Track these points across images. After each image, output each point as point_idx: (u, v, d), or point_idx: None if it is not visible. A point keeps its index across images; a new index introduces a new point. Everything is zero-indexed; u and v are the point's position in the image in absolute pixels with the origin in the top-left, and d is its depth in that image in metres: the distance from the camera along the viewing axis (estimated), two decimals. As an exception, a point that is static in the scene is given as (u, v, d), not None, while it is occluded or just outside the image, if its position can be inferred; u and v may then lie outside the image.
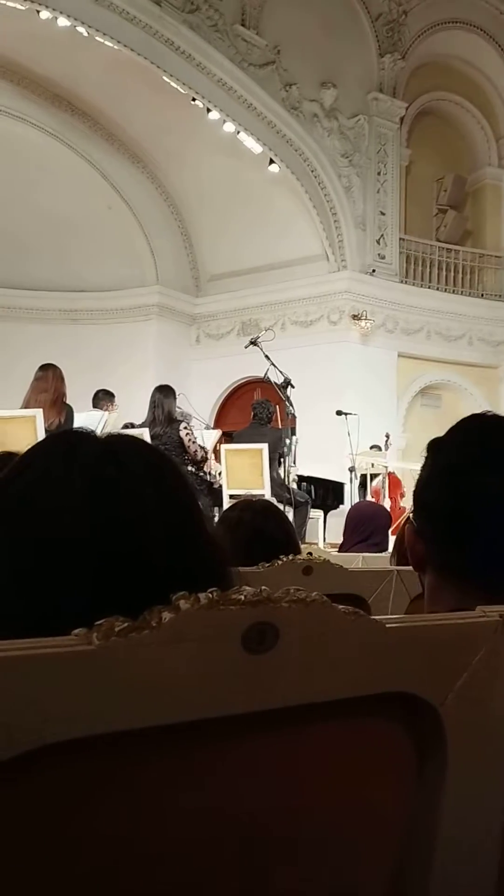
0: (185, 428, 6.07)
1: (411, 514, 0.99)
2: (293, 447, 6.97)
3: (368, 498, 9.18)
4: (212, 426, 11.34)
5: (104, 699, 0.52)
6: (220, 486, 6.38)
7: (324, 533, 7.73)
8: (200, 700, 0.56)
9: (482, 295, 13.05)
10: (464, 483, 0.92)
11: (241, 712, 0.59)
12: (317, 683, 0.62)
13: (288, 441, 6.59)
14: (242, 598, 0.58)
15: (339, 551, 4.19)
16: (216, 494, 6.35)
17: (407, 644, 0.69)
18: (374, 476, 9.72)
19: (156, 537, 0.66)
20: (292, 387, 6.52)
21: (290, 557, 1.79)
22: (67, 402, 5.48)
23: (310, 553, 3.06)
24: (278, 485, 6.49)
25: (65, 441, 0.71)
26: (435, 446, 1.00)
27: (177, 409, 6.33)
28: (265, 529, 1.81)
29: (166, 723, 0.55)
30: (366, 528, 3.99)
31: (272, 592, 0.60)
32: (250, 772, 0.63)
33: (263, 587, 0.60)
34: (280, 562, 1.77)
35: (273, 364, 6.21)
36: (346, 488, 9.01)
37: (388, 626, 0.67)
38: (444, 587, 0.92)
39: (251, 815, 0.64)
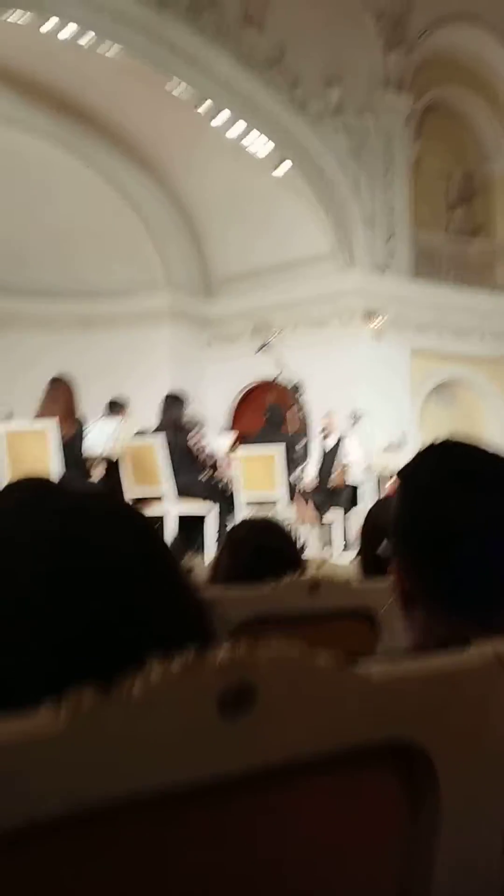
0: (195, 435, 6.07)
1: (387, 550, 0.98)
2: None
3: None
4: (229, 428, 11.35)
5: (75, 778, 0.51)
6: (232, 492, 6.36)
7: (344, 535, 7.70)
8: (177, 769, 0.55)
9: (494, 288, 12.96)
10: (449, 509, 0.90)
11: (223, 776, 0.57)
12: (299, 741, 0.61)
13: (299, 447, 6.58)
14: (218, 659, 0.57)
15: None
16: (229, 501, 6.34)
17: (395, 692, 0.67)
18: (390, 477, 9.66)
19: (128, 594, 0.65)
20: (300, 390, 6.50)
21: (296, 575, 1.78)
22: (79, 413, 5.49)
23: (319, 566, 3.05)
24: (293, 489, 6.47)
25: (31, 497, 0.70)
26: (407, 478, 0.99)
27: (187, 415, 6.33)
28: (269, 547, 1.80)
29: (142, 795, 0.53)
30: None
31: (250, 649, 0.58)
32: (241, 833, 0.62)
33: (240, 644, 0.59)
34: (286, 579, 1.76)
35: (282, 370, 6.19)
36: (360, 490, 8.96)
37: (373, 675, 0.66)
38: (435, 621, 0.90)
39: (245, 876, 0.63)
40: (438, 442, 1.07)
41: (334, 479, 8.22)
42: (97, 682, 0.53)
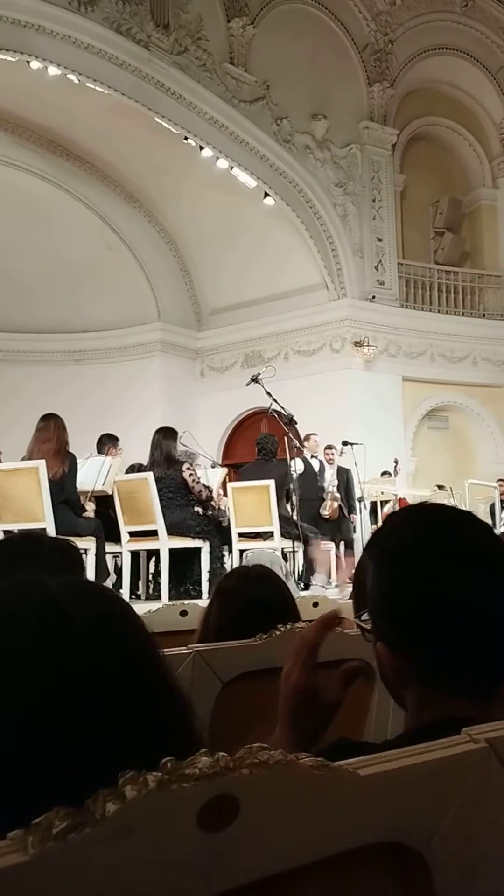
0: (188, 469, 6.04)
1: (368, 622, 0.94)
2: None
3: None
4: (220, 460, 11.33)
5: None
6: (228, 524, 6.33)
7: (337, 567, 7.65)
8: (156, 892, 0.52)
9: (484, 315, 13.05)
10: (434, 589, 0.88)
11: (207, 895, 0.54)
12: (285, 850, 0.58)
13: (293, 474, 6.56)
14: (196, 771, 0.54)
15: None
16: (224, 533, 6.30)
17: (384, 789, 0.64)
18: (384, 503, 9.65)
19: (105, 696, 0.63)
20: (294, 423, 6.49)
21: (289, 626, 1.75)
22: (70, 450, 5.46)
23: (315, 603, 3.01)
24: (286, 521, 6.44)
25: (4, 594, 0.67)
26: (382, 554, 0.95)
27: (179, 448, 6.30)
28: (262, 598, 1.77)
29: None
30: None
31: (230, 759, 0.56)
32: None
33: (221, 754, 0.56)
34: (278, 632, 1.73)
35: (275, 401, 6.18)
36: (357, 518, 8.94)
37: (361, 772, 0.63)
38: (431, 700, 0.88)
39: None
40: (411, 511, 1.04)
41: (327, 510, 8.20)
42: (68, 802, 0.50)
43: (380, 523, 9.41)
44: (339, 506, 8.46)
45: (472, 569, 0.89)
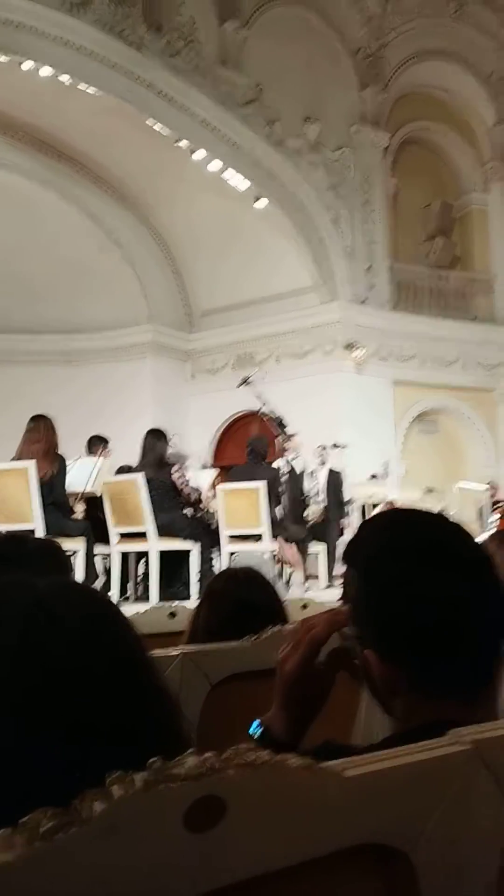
0: (177, 470, 6.04)
1: (351, 634, 0.95)
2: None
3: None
4: (210, 462, 11.33)
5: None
6: (216, 526, 6.32)
7: (329, 568, 7.66)
8: (143, 892, 0.52)
9: (474, 319, 13.09)
10: (421, 597, 0.88)
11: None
12: (271, 851, 0.58)
13: (284, 476, 6.57)
14: (183, 772, 0.54)
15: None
16: (213, 535, 6.30)
17: (369, 791, 0.65)
18: (374, 506, 9.66)
19: (92, 697, 0.63)
20: (284, 426, 6.50)
21: (278, 628, 1.75)
22: (60, 451, 5.45)
23: (304, 605, 3.01)
24: (276, 523, 6.44)
25: None
26: (365, 562, 0.96)
27: (170, 450, 6.30)
28: (250, 600, 1.77)
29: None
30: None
31: (217, 760, 0.56)
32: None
33: (208, 755, 0.56)
34: (267, 634, 1.73)
35: (264, 404, 6.19)
36: (346, 522, 8.95)
37: (346, 773, 0.64)
38: (420, 705, 0.88)
39: None
40: (385, 517, 1.05)
41: (316, 513, 8.20)
42: (55, 802, 0.51)
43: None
44: (325, 508, 8.45)
45: (451, 571, 0.90)
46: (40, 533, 4.93)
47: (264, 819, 0.58)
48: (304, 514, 8.16)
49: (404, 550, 0.92)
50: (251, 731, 1.03)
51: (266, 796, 0.58)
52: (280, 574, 6.39)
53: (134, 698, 0.65)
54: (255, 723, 1.04)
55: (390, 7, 12.49)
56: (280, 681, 1.01)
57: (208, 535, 6.26)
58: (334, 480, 8.82)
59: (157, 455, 6.04)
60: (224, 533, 6.36)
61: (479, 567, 0.92)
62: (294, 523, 7.11)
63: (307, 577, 7.09)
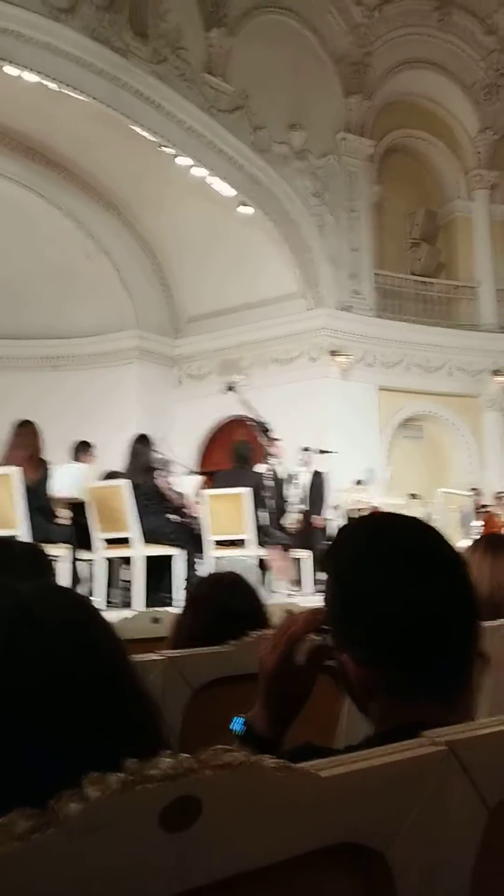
0: (162, 475, 6.03)
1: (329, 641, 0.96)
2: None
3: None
4: (197, 467, 11.31)
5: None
6: (200, 532, 6.31)
7: (314, 574, 7.66)
8: (119, 891, 0.53)
9: (458, 325, 13.18)
10: (395, 594, 0.89)
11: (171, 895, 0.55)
12: (247, 851, 0.59)
13: (269, 482, 6.57)
14: (159, 772, 0.55)
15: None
16: (197, 540, 6.29)
17: (345, 791, 0.66)
18: (359, 512, 9.67)
19: (73, 700, 0.63)
20: (267, 431, 6.51)
21: (260, 633, 1.76)
22: (44, 456, 5.43)
23: (288, 611, 3.02)
24: (261, 528, 6.44)
25: None
26: (341, 567, 0.97)
27: (155, 455, 6.29)
28: (232, 605, 1.78)
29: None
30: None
31: (193, 761, 0.57)
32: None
33: (183, 755, 0.57)
34: (249, 638, 1.74)
35: (249, 409, 6.20)
36: (331, 525, 8.95)
37: (322, 774, 0.64)
38: (396, 707, 0.89)
39: None
40: (361, 523, 1.06)
41: (294, 521, 8.19)
42: (32, 802, 0.51)
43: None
44: (306, 513, 8.42)
45: (426, 576, 0.91)
46: (25, 539, 4.90)
47: (240, 819, 0.58)
48: (282, 521, 8.14)
49: (379, 557, 0.93)
50: (233, 727, 1.04)
51: (242, 796, 0.58)
52: (263, 580, 6.39)
53: (113, 701, 0.65)
54: (237, 720, 1.05)
55: (376, 16, 12.59)
56: (261, 677, 1.02)
57: (193, 541, 6.25)
58: (318, 482, 8.81)
59: (143, 461, 6.03)
60: (209, 538, 6.35)
61: (454, 571, 0.93)
62: (278, 528, 7.11)
63: (292, 583, 7.10)
